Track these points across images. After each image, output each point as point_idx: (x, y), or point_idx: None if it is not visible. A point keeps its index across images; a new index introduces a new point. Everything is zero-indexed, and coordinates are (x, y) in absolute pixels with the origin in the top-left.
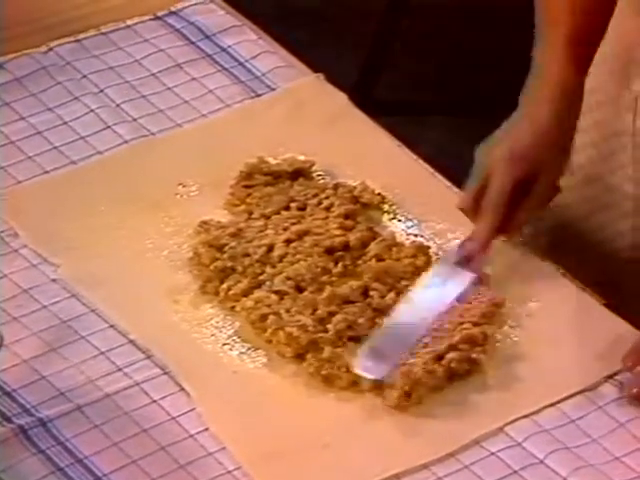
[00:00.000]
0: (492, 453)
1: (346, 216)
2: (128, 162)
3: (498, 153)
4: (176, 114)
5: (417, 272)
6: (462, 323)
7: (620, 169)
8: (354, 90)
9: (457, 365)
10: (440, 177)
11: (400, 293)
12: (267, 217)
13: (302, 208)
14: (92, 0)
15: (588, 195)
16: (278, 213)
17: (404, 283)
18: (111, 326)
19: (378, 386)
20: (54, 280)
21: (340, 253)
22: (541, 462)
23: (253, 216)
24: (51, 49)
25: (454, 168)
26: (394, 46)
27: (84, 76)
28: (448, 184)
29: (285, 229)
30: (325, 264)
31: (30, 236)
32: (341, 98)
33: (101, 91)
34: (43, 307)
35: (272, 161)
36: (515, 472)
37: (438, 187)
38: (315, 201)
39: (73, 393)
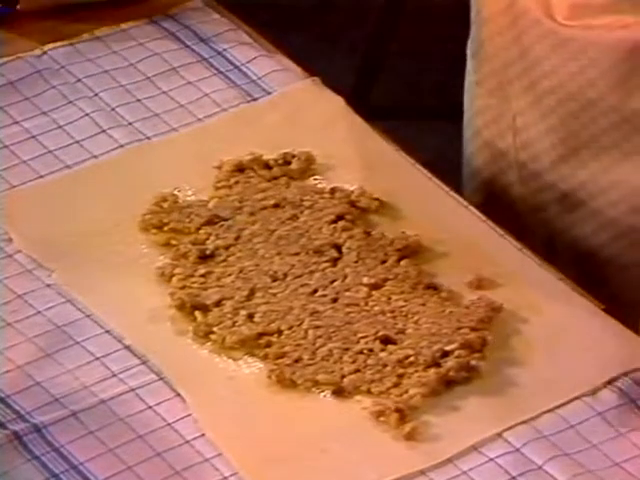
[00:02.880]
0: (490, 459)
1: (340, 217)
2: (123, 166)
3: None
4: (172, 118)
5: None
6: (460, 328)
7: (509, 187)
8: (351, 94)
9: (455, 374)
10: (438, 182)
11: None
12: (256, 214)
13: (296, 214)
14: (87, 4)
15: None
16: (268, 210)
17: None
18: (106, 331)
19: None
20: (49, 285)
21: (330, 254)
22: (540, 468)
23: (242, 211)
24: (45, 53)
25: (452, 173)
26: (391, 50)
27: (79, 80)
28: (446, 189)
29: (275, 229)
30: (311, 262)
31: (24, 241)
32: (338, 101)
33: (96, 95)
34: (37, 312)
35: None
36: (513, 478)
37: (436, 192)
38: (310, 204)
39: (68, 399)
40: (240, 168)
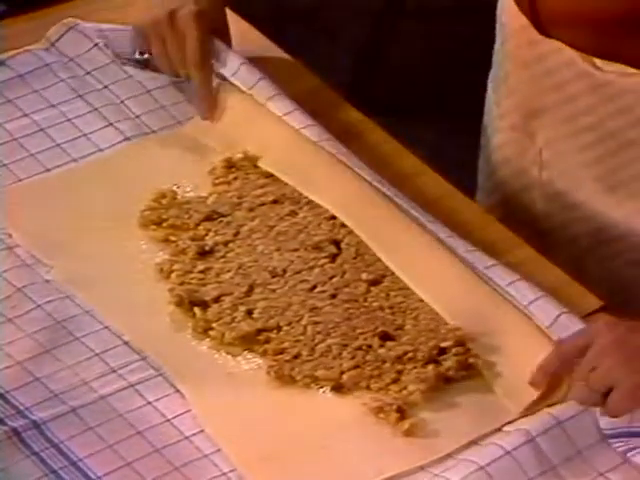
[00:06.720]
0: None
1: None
2: (122, 163)
3: None
4: (178, 111)
5: None
6: None
7: (531, 223)
8: (350, 90)
9: (454, 373)
10: (437, 177)
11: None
12: (255, 210)
13: (295, 210)
14: None
15: None
16: (267, 206)
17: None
18: (105, 327)
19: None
20: (48, 281)
21: (329, 250)
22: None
23: (241, 207)
24: (53, 45)
25: (450, 168)
26: (390, 46)
27: (87, 73)
28: (445, 184)
29: (274, 226)
30: (310, 257)
31: (23, 237)
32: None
33: (105, 87)
34: (37, 307)
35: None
36: None
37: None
38: (308, 200)
39: (67, 395)
40: (231, 166)
